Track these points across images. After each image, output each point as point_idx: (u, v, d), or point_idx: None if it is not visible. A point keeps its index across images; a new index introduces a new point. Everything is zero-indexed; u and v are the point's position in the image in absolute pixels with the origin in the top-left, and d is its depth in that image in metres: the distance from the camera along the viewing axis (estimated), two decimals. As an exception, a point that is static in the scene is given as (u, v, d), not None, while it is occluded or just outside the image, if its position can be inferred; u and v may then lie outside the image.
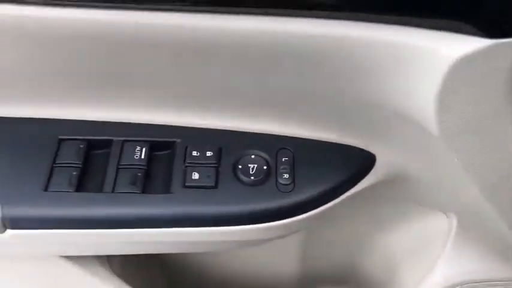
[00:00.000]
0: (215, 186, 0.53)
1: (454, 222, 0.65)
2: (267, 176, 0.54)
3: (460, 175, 0.51)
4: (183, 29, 0.43)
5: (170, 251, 0.58)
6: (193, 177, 0.53)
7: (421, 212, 0.69)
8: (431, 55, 0.40)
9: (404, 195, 0.64)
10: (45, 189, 0.52)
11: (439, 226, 0.67)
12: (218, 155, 0.55)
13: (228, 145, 0.56)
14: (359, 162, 0.57)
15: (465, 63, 0.39)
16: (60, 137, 0.55)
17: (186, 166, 0.54)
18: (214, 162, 0.54)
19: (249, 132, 0.57)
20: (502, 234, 0.60)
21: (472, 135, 0.46)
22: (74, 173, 0.53)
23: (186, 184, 0.53)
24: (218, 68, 0.48)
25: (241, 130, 0.57)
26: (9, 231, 0.52)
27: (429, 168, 0.57)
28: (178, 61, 0.48)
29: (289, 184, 0.54)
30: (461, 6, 0.39)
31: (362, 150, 0.57)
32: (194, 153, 0.55)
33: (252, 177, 0.54)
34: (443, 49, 0.39)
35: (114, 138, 0.55)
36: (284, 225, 0.54)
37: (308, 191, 0.54)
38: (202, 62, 0.47)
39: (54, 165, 0.53)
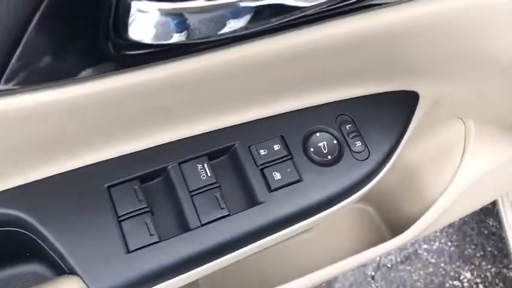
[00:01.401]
0: (300, 179, 0.50)
1: (472, 125, 0.68)
2: (341, 150, 0.52)
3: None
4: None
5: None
6: (276, 178, 0.49)
7: (435, 122, 0.72)
8: None
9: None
10: (128, 251, 0.44)
11: (455, 133, 0.70)
12: (285, 144, 0.51)
13: (286, 130, 0.52)
14: (408, 104, 0.56)
15: None
16: (106, 184, 0.46)
17: (262, 168, 0.49)
18: (287, 154, 0.50)
19: (298, 110, 0.53)
20: None
21: None
22: (147, 219, 0.46)
23: (272, 187, 0.49)
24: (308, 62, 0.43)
25: (289, 110, 0.52)
26: (102, 308, 0.45)
27: (472, 89, 0.58)
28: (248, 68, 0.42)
29: (364, 150, 0.52)
30: None
31: (406, 91, 0.56)
32: (262, 152, 0.50)
33: (329, 157, 0.51)
34: None
35: (169, 165, 0.48)
36: (370, 188, 0.53)
37: (382, 149, 0.53)
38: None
39: (119, 219, 0.45)
